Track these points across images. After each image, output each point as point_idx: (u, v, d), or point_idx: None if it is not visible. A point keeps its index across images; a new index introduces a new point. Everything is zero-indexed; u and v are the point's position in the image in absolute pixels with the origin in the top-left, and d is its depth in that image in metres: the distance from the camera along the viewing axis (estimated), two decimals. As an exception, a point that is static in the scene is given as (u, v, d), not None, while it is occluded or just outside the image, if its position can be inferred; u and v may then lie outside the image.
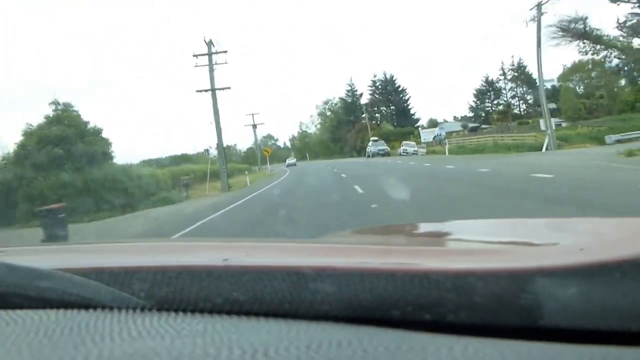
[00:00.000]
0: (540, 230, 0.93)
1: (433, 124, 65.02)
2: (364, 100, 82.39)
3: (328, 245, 0.94)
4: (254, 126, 67.19)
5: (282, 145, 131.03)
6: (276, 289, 0.54)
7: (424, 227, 1.23)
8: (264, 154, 35.09)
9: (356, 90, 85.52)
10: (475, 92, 68.89)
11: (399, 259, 0.70)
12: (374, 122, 71.48)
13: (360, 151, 63.89)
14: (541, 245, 0.72)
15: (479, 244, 0.90)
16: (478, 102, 68.27)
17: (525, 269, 0.50)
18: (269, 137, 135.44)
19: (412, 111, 75.39)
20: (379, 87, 78.50)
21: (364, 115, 77.17)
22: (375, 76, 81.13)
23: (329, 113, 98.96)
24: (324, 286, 0.53)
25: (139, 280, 0.58)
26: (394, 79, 78.33)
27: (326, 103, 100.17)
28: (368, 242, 1.09)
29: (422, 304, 0.51)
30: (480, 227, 1.15)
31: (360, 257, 0.73)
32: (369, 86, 79.40)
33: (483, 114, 65.32)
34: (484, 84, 68.24)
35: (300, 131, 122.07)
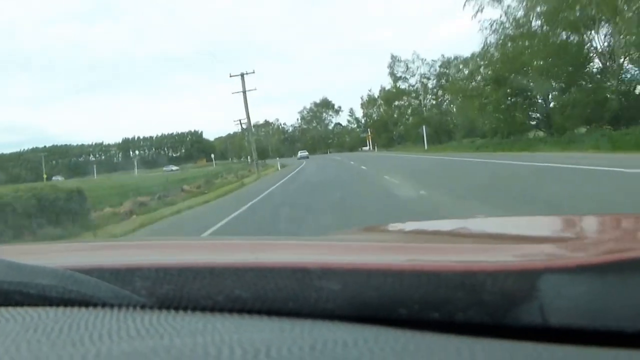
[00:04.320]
0: (551, 227, 0.93)
1: None
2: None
3: (334, 243, 0.93)
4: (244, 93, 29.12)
5: (350, 122, 72.38)
6: (280, 286, 0.53)
7: (432, 225, 1.23)
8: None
9: None
10: None
11: (405, 256, 0.69)
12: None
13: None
14: (552, 242, 0.71)
15: (488, 241, 0.89)
16: None
17: (535, 266, 0.50)
18: (325, 104, 78.95)
19: None
20: None
21: None
22: None
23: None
24: (329, 284, 0.52)
25: (141, 277, 0.57)
26: None
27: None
28: (375, 240, 1.08)
29: (430, 302, 0.50)
30: (490, 224, 1.14)
31: (366, 254, 0.73)
32: None
33: None
34: None
35: (392, 82, 53.32)
